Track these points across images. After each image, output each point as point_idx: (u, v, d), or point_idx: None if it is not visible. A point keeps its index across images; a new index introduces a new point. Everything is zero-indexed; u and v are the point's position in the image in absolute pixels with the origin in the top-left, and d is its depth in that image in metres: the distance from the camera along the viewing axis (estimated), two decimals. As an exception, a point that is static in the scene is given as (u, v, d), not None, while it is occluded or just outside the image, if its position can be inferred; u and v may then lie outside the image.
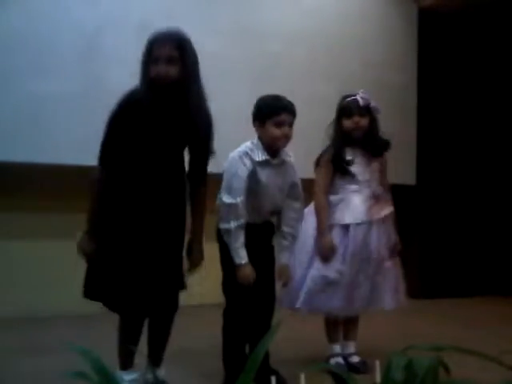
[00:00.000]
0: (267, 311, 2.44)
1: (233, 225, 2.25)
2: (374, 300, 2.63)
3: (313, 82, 4.43)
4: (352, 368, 2.61)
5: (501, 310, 4.38)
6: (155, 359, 2.24)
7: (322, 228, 2.57)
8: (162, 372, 2.24)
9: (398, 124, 4.91)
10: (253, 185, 2.32)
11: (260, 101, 2.40)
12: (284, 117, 2.31)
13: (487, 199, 5.23)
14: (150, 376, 2.21)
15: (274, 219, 2.52)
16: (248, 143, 2.39)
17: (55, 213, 3.80)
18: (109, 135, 2.09)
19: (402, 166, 4.92)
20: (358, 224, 2.59)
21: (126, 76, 3.64)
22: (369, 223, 2.61)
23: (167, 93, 2.08)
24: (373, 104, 2.67)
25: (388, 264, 2.67)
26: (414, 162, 5.05)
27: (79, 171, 3.56)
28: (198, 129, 2.15)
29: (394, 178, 4.87)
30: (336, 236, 2.59)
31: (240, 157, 2.32)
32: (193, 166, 2.24)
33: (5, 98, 3.40)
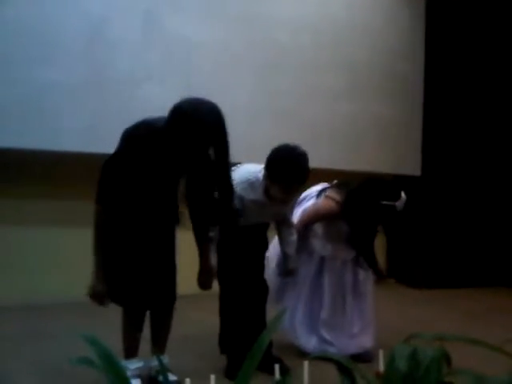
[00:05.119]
0: (260, 294, 2.54)
1: None
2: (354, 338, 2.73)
3: (319, 71, 4.41)
4: (354, 356, 2.62)
5: (504, 300, 4.38)
6: (159, 347, 2.28)
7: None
8: (165, 359, 2.26)
9: (403, 114, 4.89)
10: (244, 209, 2.33)
11: (279, 158, 2.24)
12: (294, 187, 2.26)
13: (493, 190, 5.21)
14: (154, 364, 2.23)
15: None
16: (256, 173, 2.33)
17: (59, 200, 3.81)
18: (109, 173, 2.03)
19: (408, 157, 4.91)
20: (333, 259, 2.71)
21: (131, 65, 3.67)
22: (344, 261, 2.73)
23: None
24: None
25: (365, 298, 2.77)
26: (419, 152, 5.03)
27: (85, 158, 3.58)
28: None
29: (399, 168, 4.90)
30: (313, 265, 2.73)
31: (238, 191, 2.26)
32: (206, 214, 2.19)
33: (11, 85, 3.39)
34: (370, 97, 4.66)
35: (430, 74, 5.03)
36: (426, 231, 5.02)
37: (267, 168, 2.26)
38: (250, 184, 2.31)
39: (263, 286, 2.57)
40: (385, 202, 2.50)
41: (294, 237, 2.56)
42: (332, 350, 2.62)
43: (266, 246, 2.61)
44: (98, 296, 2.05)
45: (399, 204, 2.52)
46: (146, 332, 2.27)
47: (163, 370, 1.96)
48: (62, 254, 3.74)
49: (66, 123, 3.50)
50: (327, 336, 2.71)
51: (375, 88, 4.74)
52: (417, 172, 5.00)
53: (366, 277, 2.77)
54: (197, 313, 3.42)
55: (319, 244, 2.74)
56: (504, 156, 5.24)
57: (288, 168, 2.19)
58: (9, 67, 3.40)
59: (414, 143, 5.00)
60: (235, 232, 2.44)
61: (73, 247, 3.72)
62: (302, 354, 2.62)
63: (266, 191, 2.29)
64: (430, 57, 5.04)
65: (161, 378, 2.15)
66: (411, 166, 4.96)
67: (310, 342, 2.71)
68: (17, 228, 3.74)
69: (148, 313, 2.27)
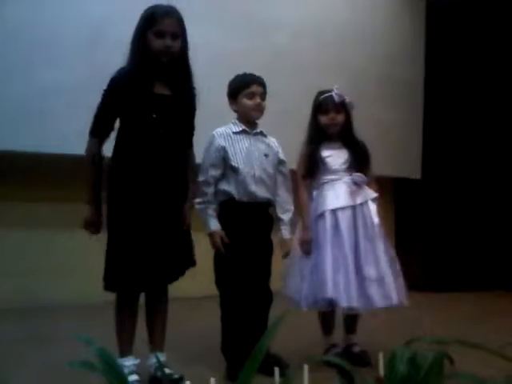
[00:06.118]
0: (263, 302, 2.49)
1: (199, 200, 2.40)
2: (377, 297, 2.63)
3: (319, 75, 4.38)
4: (353, 358, 2.61)
5: (505, 304, 4.38)
6: (157, 343, 2.26)
7: (305, 223, 2.62)
8: (162, 357, 2.25)
9: (404, 118, 4.90)
10: (235, 155, 2.42)
11: (230, 81, 2.54)
12: (254, 88, 2.46)
13: (493, 193, 5.21)
14: (153, 362, 2.22)
15: (271, 209, 2.57)
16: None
17: (60, 202, 3.81)
18: (102, 107, 2.15)
19: (408, 160, 4.91)
20: (343, 209, 2.62)
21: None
22: (352, 208, 2.64)
23: (167, 66, 2.16)
24: (348, 100, 2.71)
25: (381, 247, 2.66)
26: (419, 155, 5.03)
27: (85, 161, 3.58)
28: (190, 100, 2.26)
29: (399, 171, 4.90)
30: (328, 223, 2.62)
31: (214, 136, 2.46)
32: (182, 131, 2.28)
33: (11, 87, 3.40)
34: (370, 100, 4.66)
35: (431, 77, 5.04)
36: (426, 234, 5.02)
37: (229, 95, 2.52)
38: (229, 125, 2.49)
39: (267, 294, 2.51)
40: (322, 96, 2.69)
41: (291, 206, 2.59)
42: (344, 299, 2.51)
43: (270, 250, 2.54)
44: (92, 224, 2.13)
45: (337, 93, 2.66)
46: (143, 332, 2.27)
47: (161, 366, 1.97)
48: (65, 256, 3.74)
49: (67, 125, 3.50)
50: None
51: (376, 92, 4.74)
52: (417, 175, 5.00)
53: (374, 220, 2.67)
54: (197, 315, 3.42)
55: (330, 197, 2.65)
56: (504, 160, 5.25)
57: (239, 76, 2.52)
58: (10, 69, 3.40)
59: (415, 146, 5.01)
60: (237, 230, 2.41)
61: (75, 250, 3.72)
62: (303, 357, 2.60)
63: (243, 122, 2.48)
64: (430, 61, 5.05)
65: (159, 374, 2.16)
66: (411, 169, 4.96)
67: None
68: (20, 230, 3.74)
69: (144, 313, 2.25)
